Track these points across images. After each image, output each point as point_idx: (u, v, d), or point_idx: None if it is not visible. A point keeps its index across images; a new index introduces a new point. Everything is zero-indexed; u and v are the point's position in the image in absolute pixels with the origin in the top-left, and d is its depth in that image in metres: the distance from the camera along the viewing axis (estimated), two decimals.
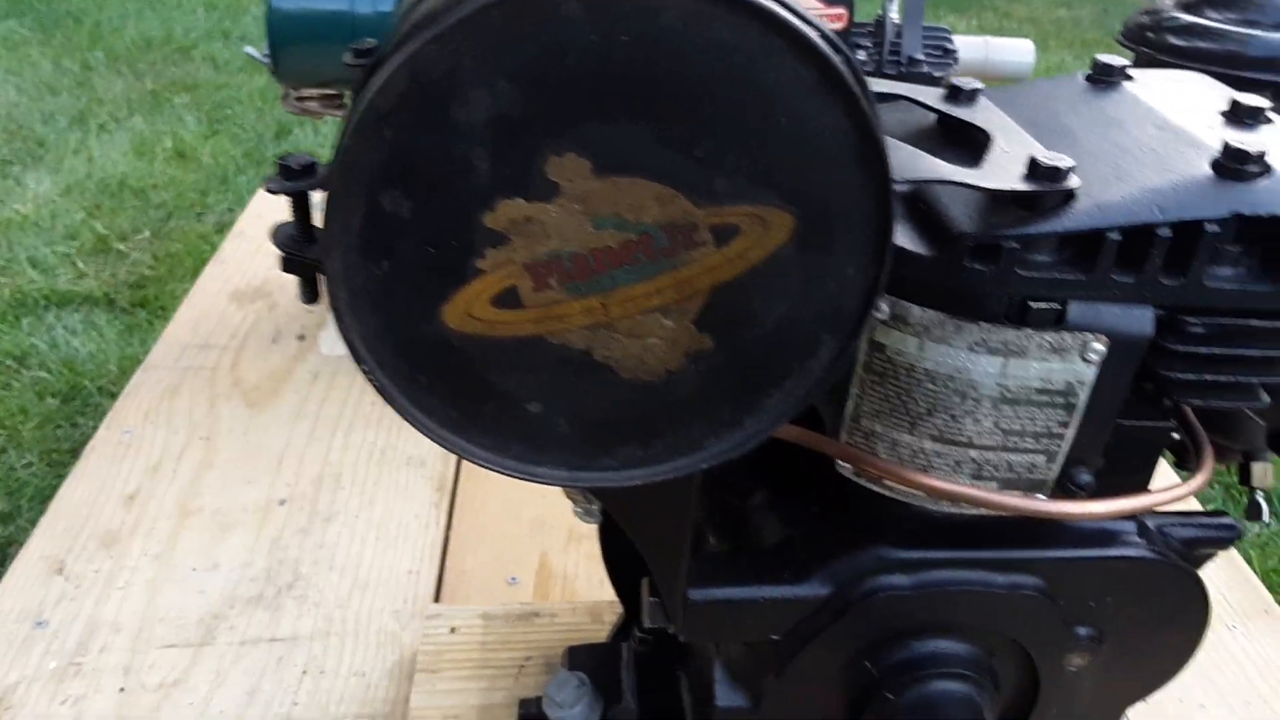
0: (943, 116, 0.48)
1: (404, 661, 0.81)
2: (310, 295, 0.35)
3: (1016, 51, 1.24)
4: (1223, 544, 0.53)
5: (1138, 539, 0.50)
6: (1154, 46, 0.57)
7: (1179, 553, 0.51)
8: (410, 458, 1.01)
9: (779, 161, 0.33)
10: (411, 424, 0.36)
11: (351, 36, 0.96)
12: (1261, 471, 0.58)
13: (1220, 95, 0.47)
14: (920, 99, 0.49)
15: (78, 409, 1.69)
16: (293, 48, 0.96)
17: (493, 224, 0.33)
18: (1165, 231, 0.39)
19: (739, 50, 0.31)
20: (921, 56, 1.08)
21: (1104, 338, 0.42)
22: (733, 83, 0.32)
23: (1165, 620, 0.52)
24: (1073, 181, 0.40)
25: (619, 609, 0.73)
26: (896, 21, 1.13)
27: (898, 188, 0.45)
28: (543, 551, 0.92)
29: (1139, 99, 0.47)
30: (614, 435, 0.38)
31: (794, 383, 0.38)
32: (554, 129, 0.32)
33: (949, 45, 1.13)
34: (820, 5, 0.97)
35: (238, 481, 1.01)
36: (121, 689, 0.79)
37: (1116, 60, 0.49)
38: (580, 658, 0.69)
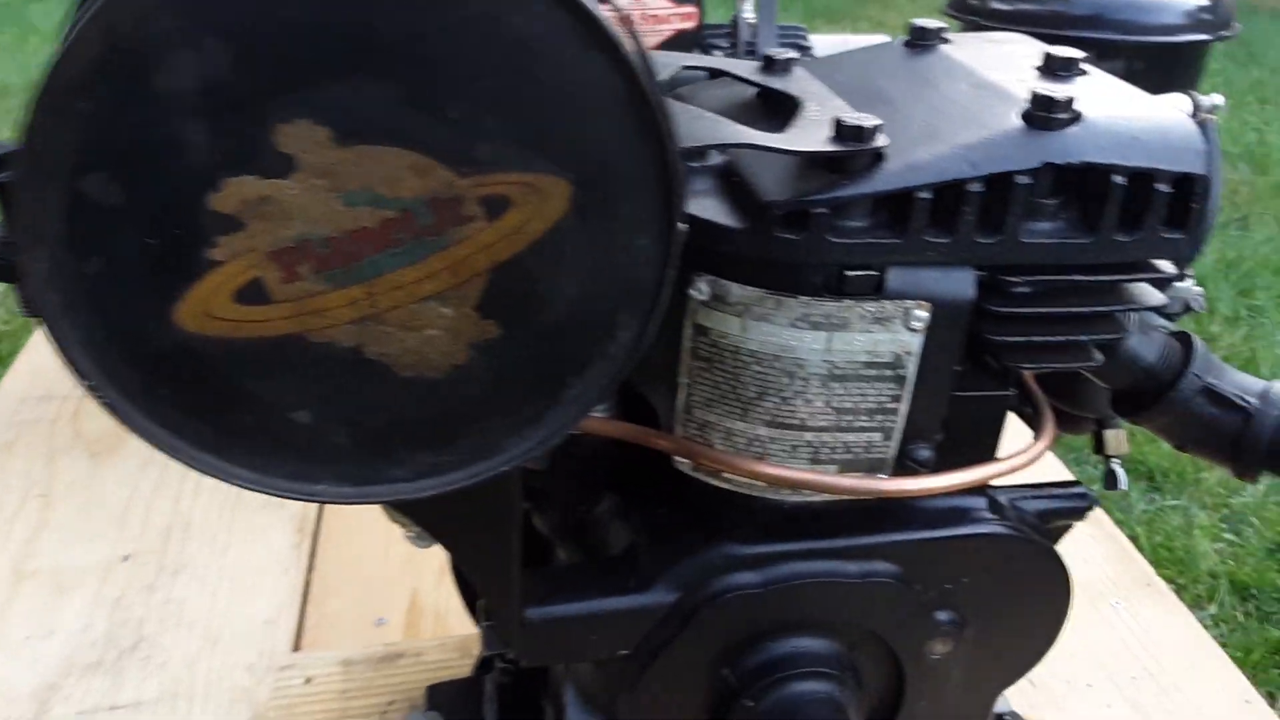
0: (759, 89, 0.46)
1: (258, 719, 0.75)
2: (31, 307, 0.31)
3: None
4: (1077, 514, 0.51)
5: (989, 515, 0.48)
6: (978, 13, 0.56)
7: (1033, 526, 0.50)
8: (268, 499, 0.95)
9: (545, 122, 0.30)
10: (155, 446, 0.32)
11: None
12: (1115, 439, 0.57)
13: (1036, 50, 0.46)
14: (735, 71, 0.47)
15: None
16: None
17: (221, 207, 0.29)
18: (976, 186, 0.38)
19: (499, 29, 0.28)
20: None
21: (926, 304, 0.40)
22: (480, 34, 0.28)
23: (1026, 598, 0.50)
24: (880, 140, 0.38)
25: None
26: (751, 21, 1.12)
27: (712, 160, 0.42)
28: (414, 588, 0.87)
29: (954, 59, 0.46)
30: (400, 442, 0.34)
31: (595, 370, 0.34)
32: (278, 93, 0.28)
33: (804, 43, 1.12)
34: (670, 4, 0.96)
35: (78, 539, 0.93)
36: None
37: (932, 23, 0.48)
38: (441, 696, 0.65)
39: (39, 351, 1.22)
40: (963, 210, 0.38)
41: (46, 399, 1.12)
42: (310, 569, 0.89)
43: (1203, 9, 0.54)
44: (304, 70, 0.28)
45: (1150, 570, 0.95)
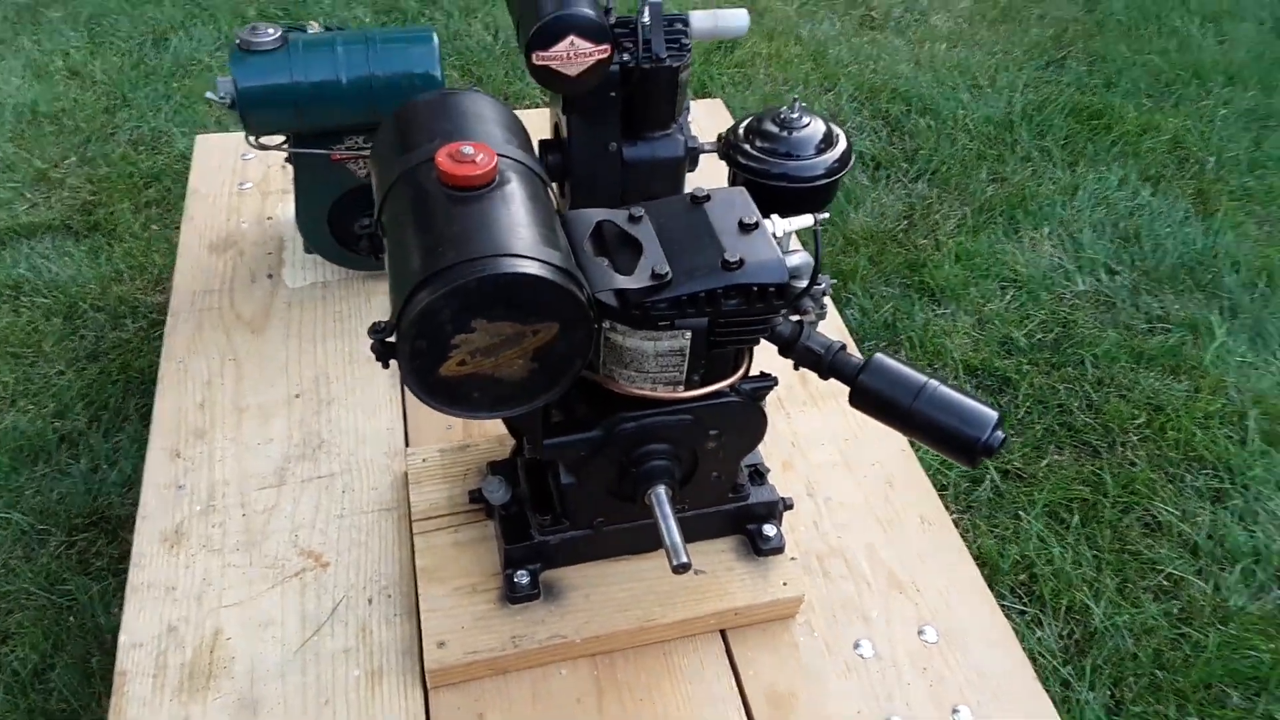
0: (623, 232, 1.10)
1: (398, 480, 1.47)
2: (386, 365, 0.98)
3: (735, 19, 1.81)
4: (769, 388, 1.21)
5: (731, 393, 1.19)
6: (731, 162, 1.19)
7: (750, 395, 1.20)
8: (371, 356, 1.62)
9: (551, 311, 0.96)
10: (443, 412, 1.00)
11: (294, 102, 1.49)
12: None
13: (743, 210, 1.10)
14: (616, 221, 1.11)
15: (79, 325, 2.20)
16: (256, 112, 1.47)
17: (454, 343, 0.96)
18: (702, 295, 1.04)
19: (538, 291, 0.94)
20: (665, 55, 1.65)
21: (689, 331, 1.07)
22: (531, 297, 0.94)
23: (745, 424, 1.22)
24: (669, 278, 1.04)
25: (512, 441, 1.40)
26: (647, 24, 1.68)
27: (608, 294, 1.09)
28: None
29: (707, 218, 1.10)
30: (507, 400, 1.03)
31: (569, 375, 1.03)
32: (474, 318, 0.94)
33: (685, 40, 1.69)
34: (591, 45, 1.52)
35: (264, 385, 1.61)
36: (243, 514, 1.43)
37: (701, 191, 1.12)
38: (497, 466, 1.37)
39: (187, 258, 1.83)
40: (698, 301, 1.05)
41: (208, 292, 1.76)
42: (404, 400, 1.58)
43: (835, 160, 1.18)
44: (479, 313, 0.94)
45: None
